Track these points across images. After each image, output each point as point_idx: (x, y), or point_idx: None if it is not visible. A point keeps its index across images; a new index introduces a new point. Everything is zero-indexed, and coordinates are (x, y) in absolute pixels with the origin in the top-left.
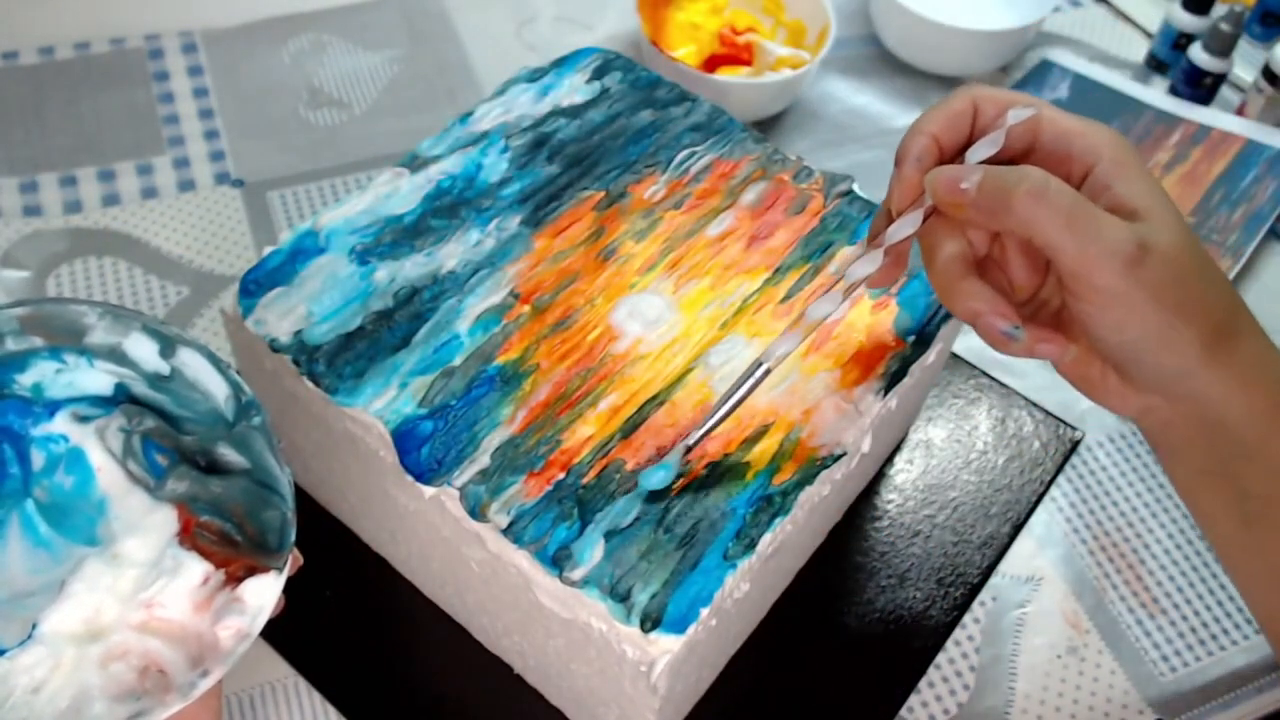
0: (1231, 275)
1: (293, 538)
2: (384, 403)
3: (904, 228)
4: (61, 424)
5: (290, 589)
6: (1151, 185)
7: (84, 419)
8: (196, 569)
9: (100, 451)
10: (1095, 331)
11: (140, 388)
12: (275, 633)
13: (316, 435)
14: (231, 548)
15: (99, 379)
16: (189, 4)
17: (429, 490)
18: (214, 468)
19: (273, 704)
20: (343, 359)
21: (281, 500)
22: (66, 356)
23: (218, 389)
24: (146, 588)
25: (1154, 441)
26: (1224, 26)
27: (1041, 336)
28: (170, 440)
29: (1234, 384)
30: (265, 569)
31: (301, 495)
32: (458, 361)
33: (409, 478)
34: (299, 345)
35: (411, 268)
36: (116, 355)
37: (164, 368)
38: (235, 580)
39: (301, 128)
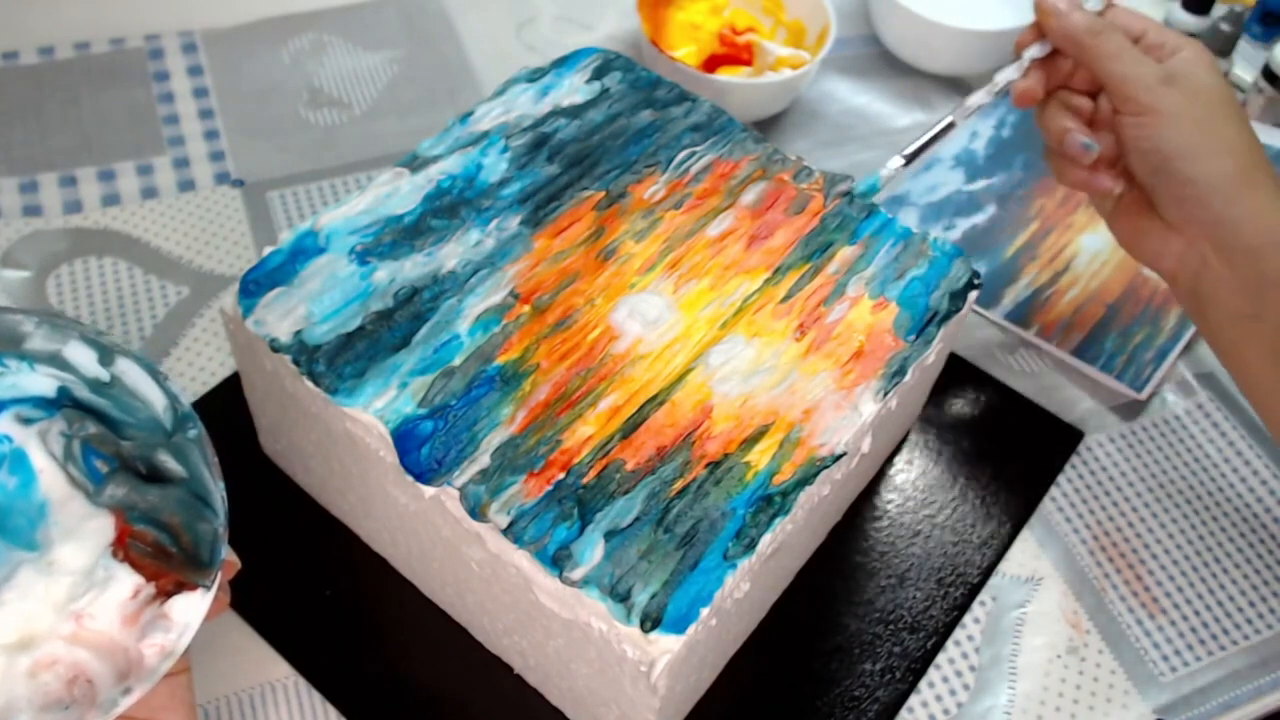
0: None
1: (223, 553)
2: (384, 403)
3: (1037, 49)
4: (5, 425)
5: (290, 589)
6: (1192, 49)
7: (27, 421)
8: (127, 581)
9: (42, 454)
10: (1141, 145)
11: (82, 391)
12: (275, 632)
13: (316, 435)
14: (164, 560)
15: (41, 381)
16: (189, 4)
17: (429, 490)
18: (153, 475)
19: (273, 704)
20: (343, 359)
21: (214, 515)
22: (7, 360)
23: (156, 399)
24: (78, 597)
25: (1188, 294)
26: (1224, 26)
27: (1103, 172)
28: (110, 446)
29: (1266, 208)
30: (193, 586)
31: (301, 495)
32: (458, 361)
33: (409, 478)
34: (299, 345)
35: (411, 268)
36: (57, 361)
37: (104, 374)
38: (164, 595)
39: (301, 128)
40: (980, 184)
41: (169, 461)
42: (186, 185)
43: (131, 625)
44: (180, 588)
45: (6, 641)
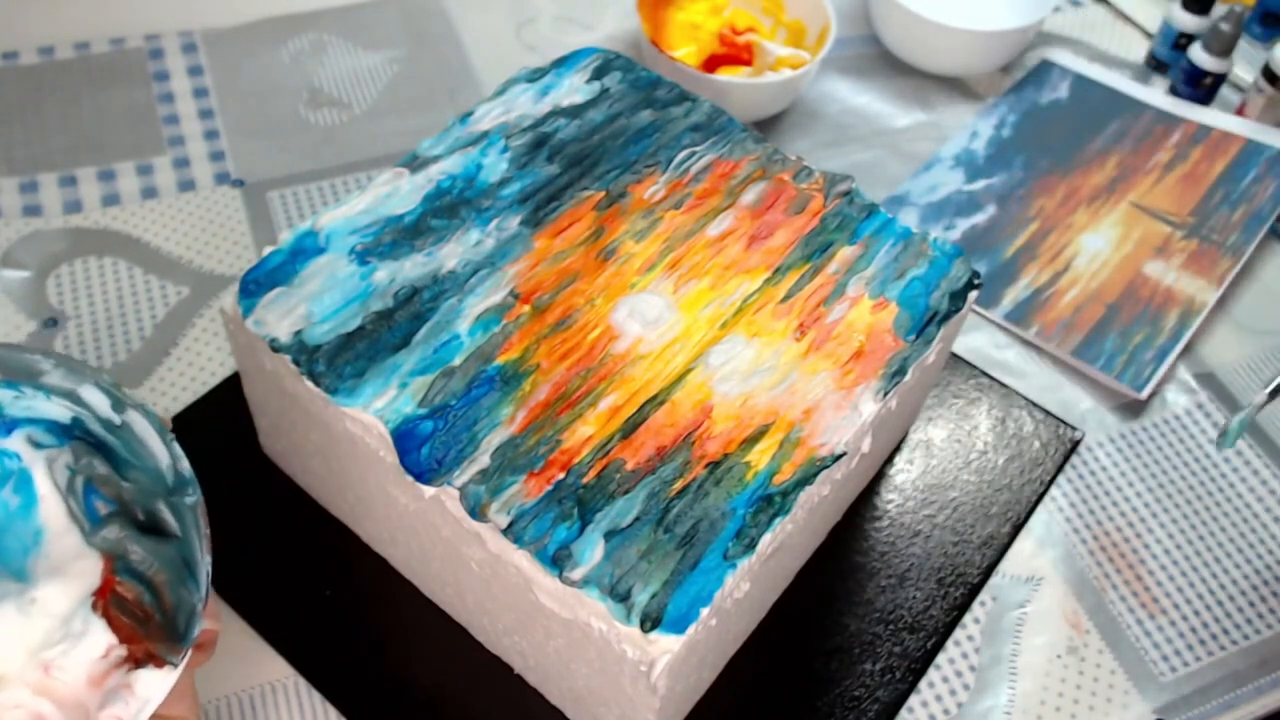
0: (1233, 275)
1: (197, 631)
2: (384, 402)
3: None
4: (16, 442)
5: (291, 589)
6: None
7: (37, 445)
8: (101, 639)
9: (47, 481)
10: None
11: (95, 426)
12: (275, 632)
13: (316, 435)
14: (141, 625)
15: (57, 409)
16: (189, 4)
17: (429, 490)
18: (149, 527)
19: (273, 704)
20: (343, 359)
21: (195, 587)
22: (24, 388)
23: (161, 454)
24: (52, 645)
25: None
26: (1224, 26)
27: None
28: (113, 489)
29: None
30: (162, 662)
31: (301, 495)
32: (458, 361)
33: (409, 478)
34: (299, 345)
35: (411, 268)
36: (73, 396)
37: (115, 418)
38: (134, 662)
39: (301, 128)
40: (980, 184)
41: (166, 516)
42: (186, 185)
43: (96, 688)
44: (150, 659)
45: None
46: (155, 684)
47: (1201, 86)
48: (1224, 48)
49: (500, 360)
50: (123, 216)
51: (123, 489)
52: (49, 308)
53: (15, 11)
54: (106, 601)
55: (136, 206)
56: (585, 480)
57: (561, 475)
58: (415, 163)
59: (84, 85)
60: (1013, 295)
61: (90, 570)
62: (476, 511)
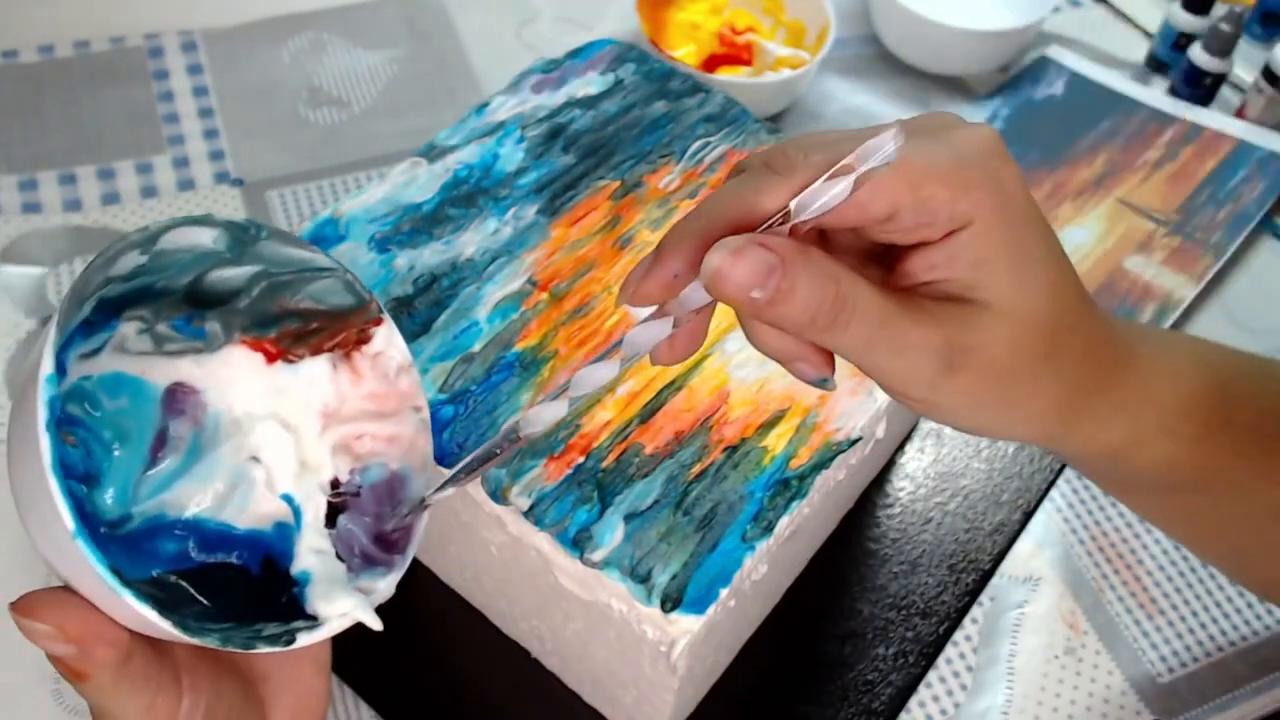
0: (1212, 272)
1: (363, 287)
2: None
3: (696, 294)
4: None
5: None
6: (1015, 258)
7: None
8: (316, 366)
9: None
10: (939, 418)
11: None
12: None
13: None
14: (312, 321)
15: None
16: (189, 3)
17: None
18: (224, 296)
19: None
20: None
21: (319, 272)
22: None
23: (203, 238)
24: (308, 406)
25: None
26: (1224, 27)
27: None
28: (171, 307)
29: (1101, 433)
30: (366, 323)
31: None
32: (477, 348)
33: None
34: None
35: (430, 255)
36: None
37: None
38: (354, 346)
39: (301, 127)
40: None
41: (232, 273)
42: (186, 184)
43: (360, 379)
44: (360, 334)
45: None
46: (387, 337)
47: (1201, 87)
48: (1224, 48)
49: (519, 346)
50: (122, 215)
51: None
52: (49, 306)
53: (15, 10)
54: (282, 351)
55: (136, 205)
56: (605, 464)
57: (581, 459)
58: (433, 152)
59: (84, 84)
60: None
61: (243, 361)
62: (498, 494)
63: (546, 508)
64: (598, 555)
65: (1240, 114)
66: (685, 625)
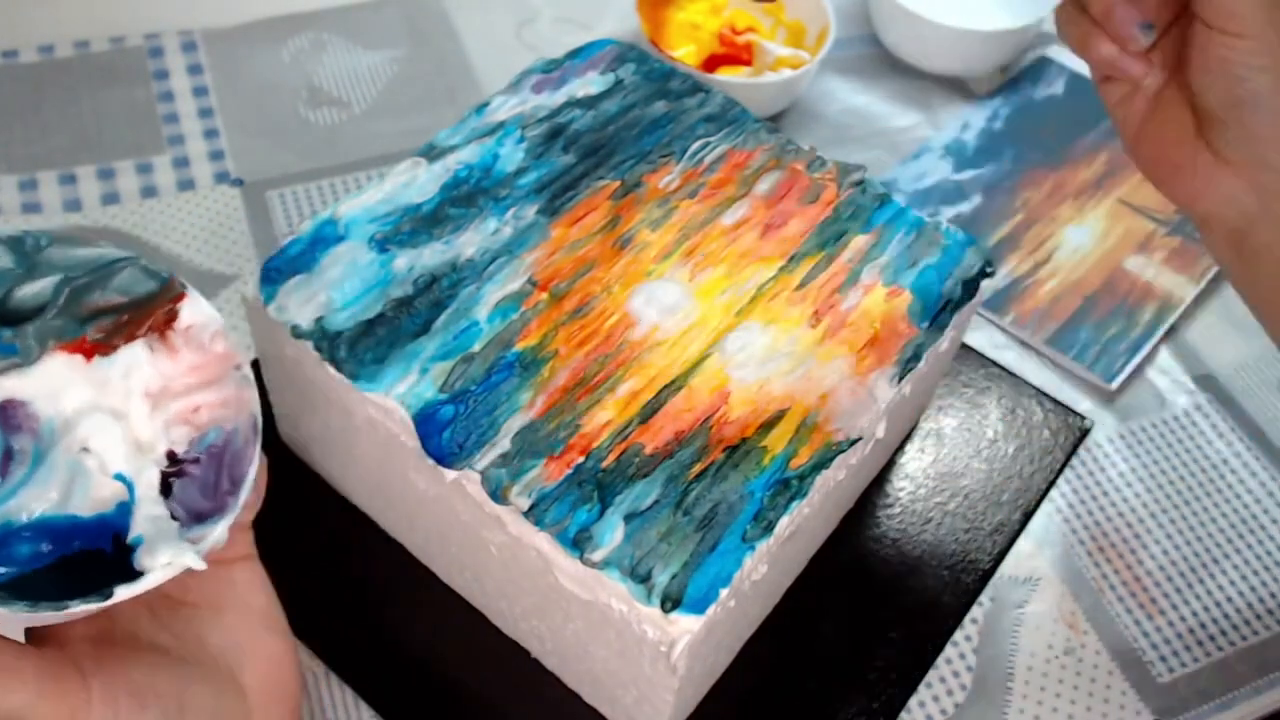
0: (1213, 272)
1: (160, 267)
2: (405, 388)
3: None
4: None
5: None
6: None
7: None
8: (132, 353)
9: None
10: (1228, 69)
11: None
12: (292, 618)
13: (336, 422)
14: (122, 313)
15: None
16: (189, 3)
17: (450, 474)
18: (34, 311)
19: None
20: (364, 345)
21: (115, 265)
22: None
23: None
24: (131, 391)
25: (1230, 242)
26: None
27: (1138, 58)
28: None
29: None
30: (171, 301)
31: (319, 482)
32: (477, 347)
33: (430, 462)
34: (320, 331)
35: (430, 255)
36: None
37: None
38: (165, 325)
39: (301, 127)
40: (968, 174)
41: (30, 287)
42: (186, 184)
43: (176, 353)
44: (169, 313)
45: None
46: (196, 309)
47: None
48: None
49: (519, 346)
50: (122, 215)
51: None
52: None
53: (15, 10)
54: (92, 345)
55: (136, 205)
56: (605, 464)
57: (581, 459)
58: (432, 152)
59: (84, 84)
60: (991, 284)
61: (59, 363)
62: (498, 494)
63: (546, 508)
64: (598, 555)
65: None
66: (685, 625)
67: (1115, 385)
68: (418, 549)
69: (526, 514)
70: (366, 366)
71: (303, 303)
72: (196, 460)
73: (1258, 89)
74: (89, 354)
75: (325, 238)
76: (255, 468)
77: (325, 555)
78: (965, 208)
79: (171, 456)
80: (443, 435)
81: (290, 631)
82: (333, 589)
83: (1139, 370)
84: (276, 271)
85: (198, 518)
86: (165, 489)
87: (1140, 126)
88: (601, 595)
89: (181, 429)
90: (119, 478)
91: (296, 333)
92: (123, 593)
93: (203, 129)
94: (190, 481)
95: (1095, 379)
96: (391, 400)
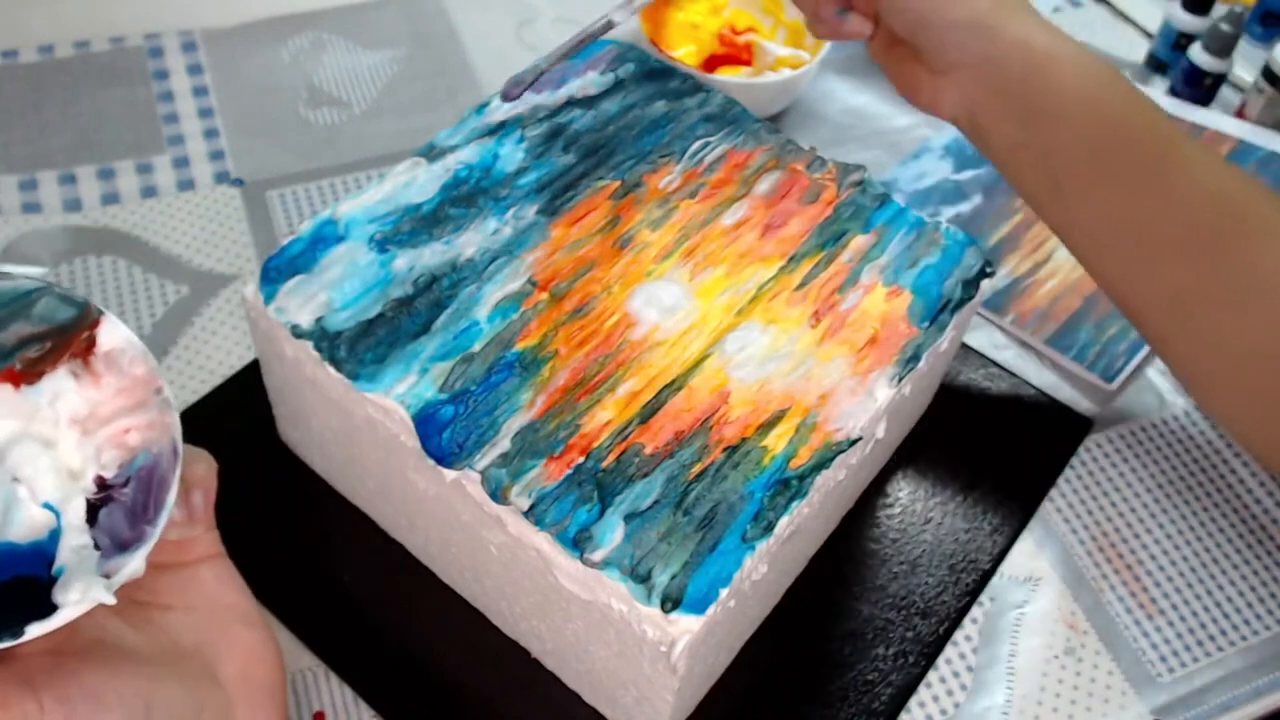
0: None
1: (75, 294)
2: (405, 388)
3: None
4: None
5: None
6: None
7: None
8: (57, 380)
9: None
10: (893, 8)
11: None
12: (292, 619)
13: (336, 422)
14: (45, 341)
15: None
16: (189, 3)
17: (450, 474)
18: None
19: (289, 689)
20: (364, 345)
21: (31, 295)
22: None
23: None
24: (59, 419)
25: (971, 131)
26: (1224, 27)
27: (852, 16)
28: None
29: (1026, 38)
30: (89, 327)
31: (319, 483)
32: (477, 347)
33: (430, 462)
34: (320, 331)
35: (430, 255)
36: None
37: None
38: (87, 351)
39: (301, 127)
40: (968, 174)
41: None
42: (186, 184)
43: (98, 379)
44: (89, 339)
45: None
46: (111, 333)
47: (1201, 87)
48: (1224, 48)
49: (519, 346)
50: (122, 215)
51: None
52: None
53: (15, 10)
54: (19, 375)
55: (136, 205)
56: (605, 464)
57: (581, 459)
58: (432, 152)
59: (83, 84)
60: (991, 284)
61: None
62: (498, 494)
63: (547, 507)
64: (598, 555)
65: (1240, 114)
66: (685, 625)
67: (1115, 385)
68: (418, 549)
69: (526, 514)
70: (366, 367)
71: (303, 303)
72: (126, 483)
73: (922, 11)
74: (16, 383)
75: (325, 238)
76: (174, 494)
77: (324, 555)
78: (965, 208)
79: (100, 482)
80: (443, 435)
81: (265, 623)
82: (332, 589)
83: (1139, 370)
84: (276, 271)
85: (121, 546)
86: (92, 517)
87: (885, 63)
88: (601, 595)
89: (113, 452)
90: (47, 506)
91: (296, 333)
92: (35, 630)
93: (203, 129)
94: (118, 507)
95: (1095, 379)
96: (391, 400)
